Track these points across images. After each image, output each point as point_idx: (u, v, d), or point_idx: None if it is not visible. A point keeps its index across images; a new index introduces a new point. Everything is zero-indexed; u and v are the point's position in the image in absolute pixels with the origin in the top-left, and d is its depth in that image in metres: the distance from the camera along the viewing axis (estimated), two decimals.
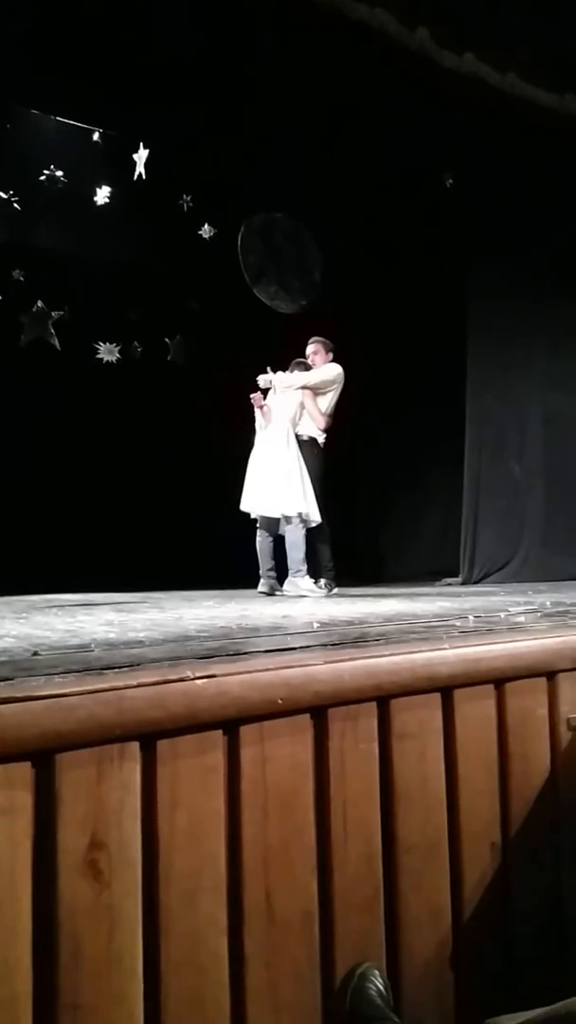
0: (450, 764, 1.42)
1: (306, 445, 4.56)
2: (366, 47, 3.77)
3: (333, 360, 4.76)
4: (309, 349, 4.80)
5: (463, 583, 5.12)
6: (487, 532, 5.19)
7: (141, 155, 5.79)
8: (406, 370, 6.01)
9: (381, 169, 5.36)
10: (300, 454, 4.48)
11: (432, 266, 5.66)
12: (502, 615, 2.21)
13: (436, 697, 1.42)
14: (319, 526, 4.46)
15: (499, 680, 1.50)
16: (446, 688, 1.42)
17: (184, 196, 6.35)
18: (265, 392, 4.70)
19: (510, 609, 2.42)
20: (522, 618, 2.09)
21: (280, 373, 4.70)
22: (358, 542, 6.63)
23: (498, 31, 3.63)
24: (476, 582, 5.07)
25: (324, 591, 4.25)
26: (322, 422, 4.62)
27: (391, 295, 6.05)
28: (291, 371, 4.76)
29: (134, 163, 5.90)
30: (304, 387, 4.60)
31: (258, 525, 4.58)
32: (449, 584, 5.16)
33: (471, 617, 2.17)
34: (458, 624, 1.97)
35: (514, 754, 1.50)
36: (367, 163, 5.31)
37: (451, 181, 5.25)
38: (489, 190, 5.06)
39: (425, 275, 5.74)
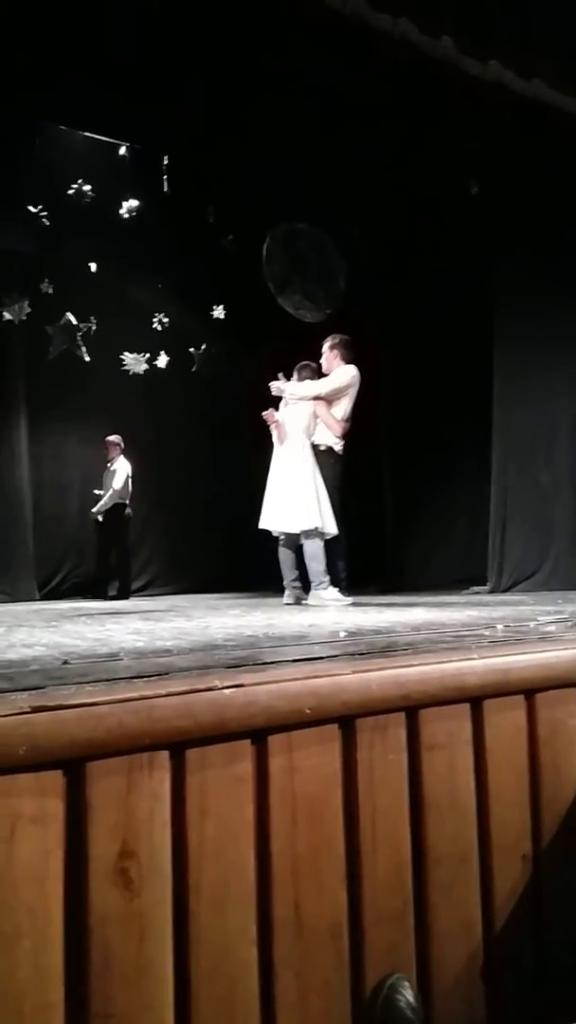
0: (480, 775, 1.41)
1: (323, 455, 4.50)
2: (389, 56, 3.78)
3: (352, 360, 4.63)
4: (324, 347, 4.67)
5: (491, 591, 5.07)
6: (515, 540, 5.14)
7: (165, 168, 5.87)
8: (432, 377, 5.99)
9: (405, 176, 5.36)
10: (316, 466, 4.44)
11: (457, 273, 5.64)
12: (532, 624, 2.19)
13: (465, 708, 1.41)
14: (335, 538, 4.43)
15: (529, 690, 1.48)
16: (475, 699, 1.41)
17: (208, 208, 6.42)
18: (278, 401, 4.68)
19: (540, 618, 2.40)
20: (552, 627, 2.07)
21: (292, 381, 4.66)
22: (385, 550, 6.61)
23: (523, 38, 3.62)
24: (504, 591, 5.02)
25: (349, 600, 4.23)
26: (338, 429, 4.51)
27: (415, 302, 6.04)
28: (297, 375, 4.71)
29: (160, 176, 5.97)
30: (316, 397, 4.56)
31: (279, 538, 4.58)
32: (477, 593, 5.11)
33: (500, 626, 2.15)
34: (487, 633, 1.95)
35: (545, 765, 1.48)
36: (391, 171, 5.32)
37: (476, 188, 5.24)
38: (514, 197, 5.04)
39: (450, 283, 5.72)
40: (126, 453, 6.84)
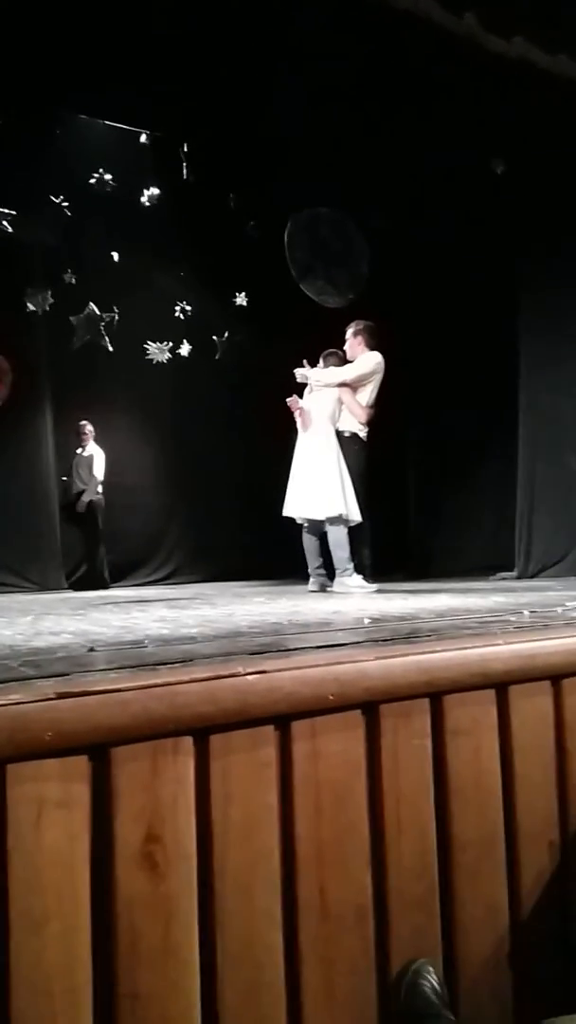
0: (506, 761, 1.40)
1: (347, 441, 4.48)
2: (411, 35, 3.72)
3: (376, 346, 4.60)
4: (348, 333, 4.65)
5: (518, 577, 5.03)
6: (542, 525, 5.09)
7: (185, 155, 5.85)
8: (457, 362, 5.93)
9: (428, 157, 5.29)
10: (340, 453, 4.43)
11: (481, 256, 5.57)
12: (559, 610, 2.17)
13: (490, 693, 1.40)
14: (359, 525, 4.41)
15: (556, 676, 1.47)
16: (501, 684, 1.40)
17: (229, 194, 6.38)
18: (303, 388, 4.66)
19: (567, 604, 2.37)
20: None
21: (317, 368, 4.64)
22: (409, 536, 6.58)
23: (547, 12, 3.55)
24: (531, 576, 4.98)
25: (374, 586, 4.22)
26: (363, 416, 4.49)
27: (439, 286, 5.97)
28: (323, 362, 4.69)
29: (180, 164, 5.95)
30: (341, 384, 4.52)
31: (304, 525, 4.57)
32: (503, 579, 5.08)
33: (526, 612, 2.13)
34: (513, 619, 1.94)
35: (571, 751, 1.47)
36: (414, 152, 5.25)
37: (501, 168, 5.15)
38: (541, 177, 4.95)
39: (474, 265, 5.65)
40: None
